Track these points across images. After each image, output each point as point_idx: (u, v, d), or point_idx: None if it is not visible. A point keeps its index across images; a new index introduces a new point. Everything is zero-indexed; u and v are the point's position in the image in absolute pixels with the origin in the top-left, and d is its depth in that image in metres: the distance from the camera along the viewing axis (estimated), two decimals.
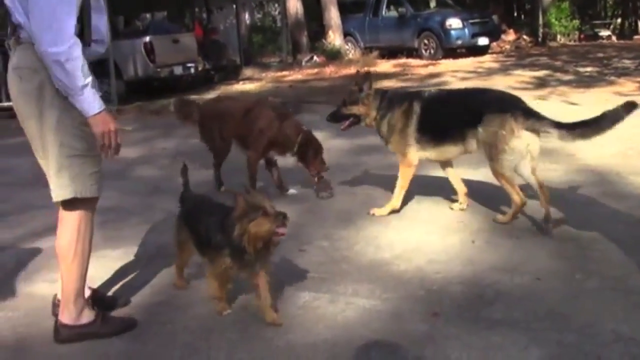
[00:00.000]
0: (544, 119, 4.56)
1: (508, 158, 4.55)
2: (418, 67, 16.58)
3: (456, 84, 12.89)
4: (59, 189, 3.12)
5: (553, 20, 21.65)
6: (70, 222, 3.20)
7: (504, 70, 14.45)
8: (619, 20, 26.27)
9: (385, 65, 17.29)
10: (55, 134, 3.06)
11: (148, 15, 24.05)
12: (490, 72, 14.19)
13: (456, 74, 14.34)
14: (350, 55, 19.54)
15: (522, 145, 4.52)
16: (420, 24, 19.25)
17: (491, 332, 3.16)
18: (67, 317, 3.26)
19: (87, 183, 3.13)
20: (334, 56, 18.99)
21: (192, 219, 3.56)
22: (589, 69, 13.74)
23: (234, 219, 3.13)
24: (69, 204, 3.17)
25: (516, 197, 4.64)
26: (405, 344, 3.10)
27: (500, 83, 12.42)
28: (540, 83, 12.23)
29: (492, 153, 4.61)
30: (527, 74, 13.38)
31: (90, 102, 3.00)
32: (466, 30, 18.49)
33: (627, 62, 14.39)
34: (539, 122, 4.53)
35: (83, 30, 3.04)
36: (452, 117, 4.88)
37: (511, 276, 3.79)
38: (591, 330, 3.14)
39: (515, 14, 28.81)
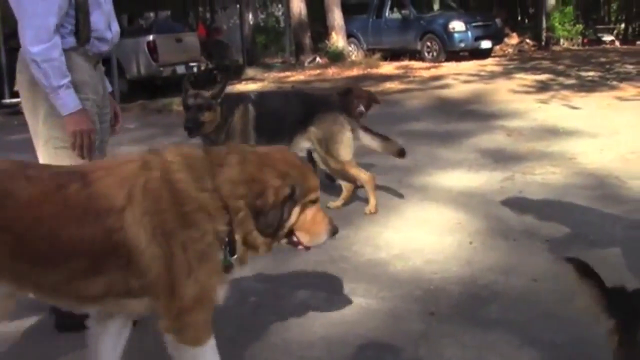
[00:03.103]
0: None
1: (344, 148, 5.17)
2: (421, 69, 16.59)
3: (459, 87, 12.92)
4: None
5: (556, 24, 21.65)
6: None
7: (507, 73, 14.46)
8: (623, 25, 26.28)
9: (387, 68, 17.30)
10: (44, 125, 3.15)
11: (152, 14, 24.13)
12: (492, 76, 14.20)
13: (458, 76, 14.35)
14: (353, 57, 19.57)
15: (350, 137, 5.23)
16: (423, 27, 19.25)
17: (486, 332, 3.18)
18: None
19: None
20: (337, 57, 19.00)
21: None
22: (591, 73, 13.75)
23: None
24: None
25: (363, 176, 5.23)
26: (400, 342, 3.13)
27: (502, 86, 12.45)
28: (542, 87, 12.24)
29: (330, 148, 5.16)
30: (529, 78, 13.39)
31: (64, 102, 3.05)
32: (469, 33, 18.50)
33: (629, 67, 14.39)
34: (354, 121, 5.37)
35: (78, 28, 3.09)
36: (285, 118, 5.21)
37: (507, 277, 3.82)
38: (585, 332, 3.15)
39: (519, 18, 28.83)
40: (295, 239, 2.42)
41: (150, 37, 14.90)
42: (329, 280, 3.88)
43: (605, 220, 4.74)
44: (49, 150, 3.15)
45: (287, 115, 5.25)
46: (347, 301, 3.58)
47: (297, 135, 5.23)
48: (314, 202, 2.40)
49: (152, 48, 14.79)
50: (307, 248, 2.47)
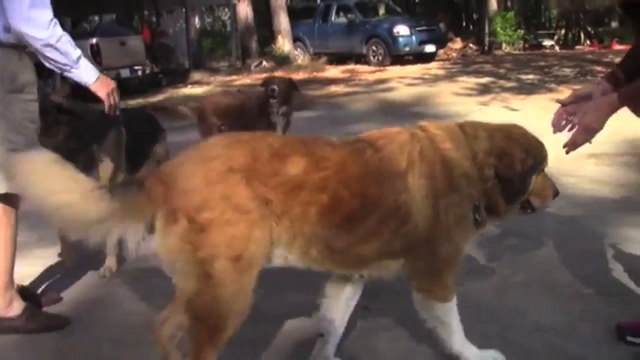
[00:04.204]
0: None
1: None
2: (366, 73, 16.74)
3: (403, 90, 13.09)
4: None
5: (499, 29, 22.11)
6: None
7: (450, 77, 14.72)
8: (563, 30, 26.98)
9: (333, 71, 17.41)
10: None
11: (97, 18, 23.75)
12: (436, 79, 14.43)
13: (403, 80, 14.54)
14: (299, 61, 19.63)
15: None
16: (368, 31, 19.45)
17: (418, 325, 3.22)
18: None
19: None
20: (283, 61, 19.03)
21: None
22: (530, 76, 14.09)
23: None
24: None
25: None
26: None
27: (445, 89, 12.67)
28: (484, 89, 12.50)
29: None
30: (471, 81, 13.66)
31: (89, 70, 3.17)
32: (414, 37, 18.77)
33: (567, 71, 14.79)
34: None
35: None
36: (144, 139, 4.56)
37: None
38: (515, 321, 3.25)
39: (464, 24, 29.37)
40: (526, 204, 2.73)
41: (94, 40, 14.70)
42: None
43: (537, 215, 4.81)
44: (2, 153, 3.04)
45: (148, 135, 4.62)
46: (285, 299, 3.58)
47: (149, 160, 4.47)
48: (543, 169, 2.72)
49: (96, 51, 14.58)
50: (534, 211, 2.79)
